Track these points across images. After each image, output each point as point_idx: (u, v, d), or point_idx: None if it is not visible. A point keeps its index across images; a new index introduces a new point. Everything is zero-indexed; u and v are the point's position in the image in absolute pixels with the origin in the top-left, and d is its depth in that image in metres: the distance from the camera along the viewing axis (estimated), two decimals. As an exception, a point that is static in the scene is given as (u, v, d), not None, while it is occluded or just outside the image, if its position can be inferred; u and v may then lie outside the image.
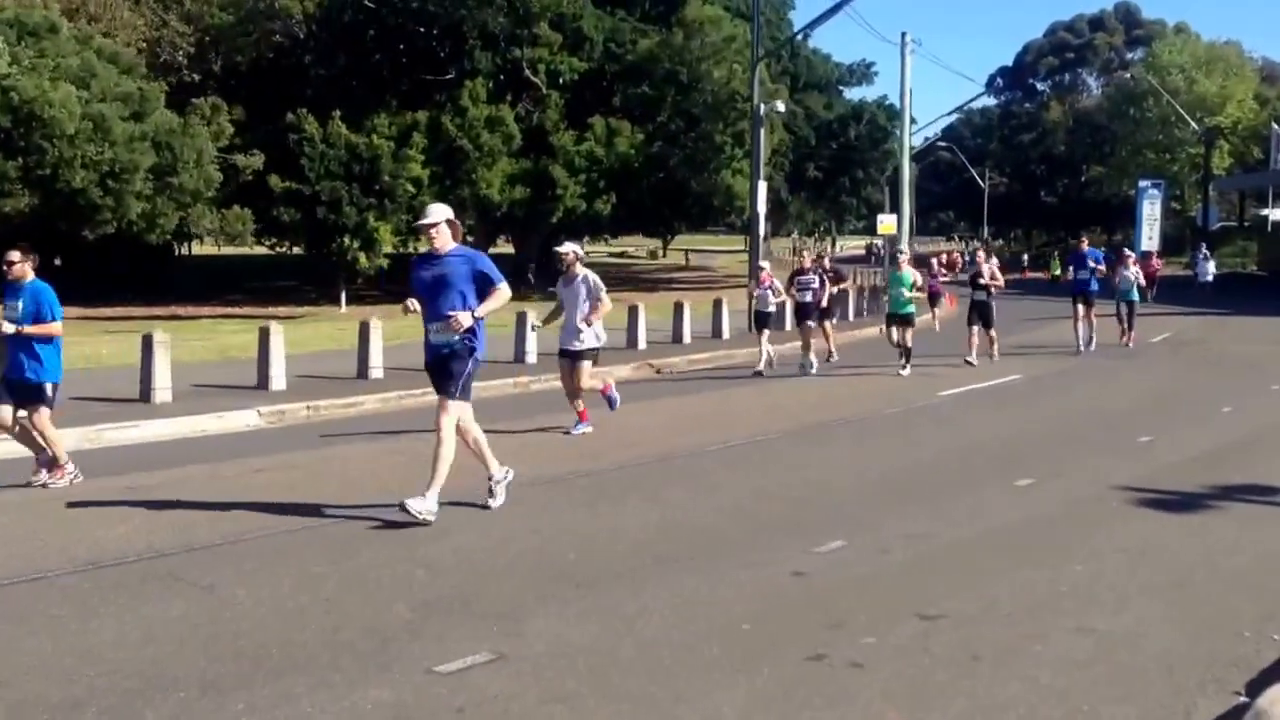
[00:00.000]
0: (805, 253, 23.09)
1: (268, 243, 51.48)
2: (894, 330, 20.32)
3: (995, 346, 21.49)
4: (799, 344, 20.81)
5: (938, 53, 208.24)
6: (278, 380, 17.45)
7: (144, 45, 42.61)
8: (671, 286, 56.89)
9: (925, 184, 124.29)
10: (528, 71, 49.96)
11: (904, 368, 19.61)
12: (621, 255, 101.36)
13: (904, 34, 36.70)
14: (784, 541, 8.03)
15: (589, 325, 12.84)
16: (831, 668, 5.62)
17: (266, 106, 45.47)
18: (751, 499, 9.62)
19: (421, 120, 47.25)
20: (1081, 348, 23.30)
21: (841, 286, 23.63)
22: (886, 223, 59.48)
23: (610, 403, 13.58)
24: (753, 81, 30.44)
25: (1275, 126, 63.69)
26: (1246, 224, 76.62)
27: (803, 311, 20.68)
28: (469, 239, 57.34)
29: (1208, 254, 43.06)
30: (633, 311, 24.64)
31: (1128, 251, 26.73)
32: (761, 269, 21.76)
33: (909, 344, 19.95)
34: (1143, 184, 68.39)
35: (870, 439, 13.35)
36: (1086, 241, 24.82)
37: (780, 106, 31.89)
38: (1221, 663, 5.83)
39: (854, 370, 20.87)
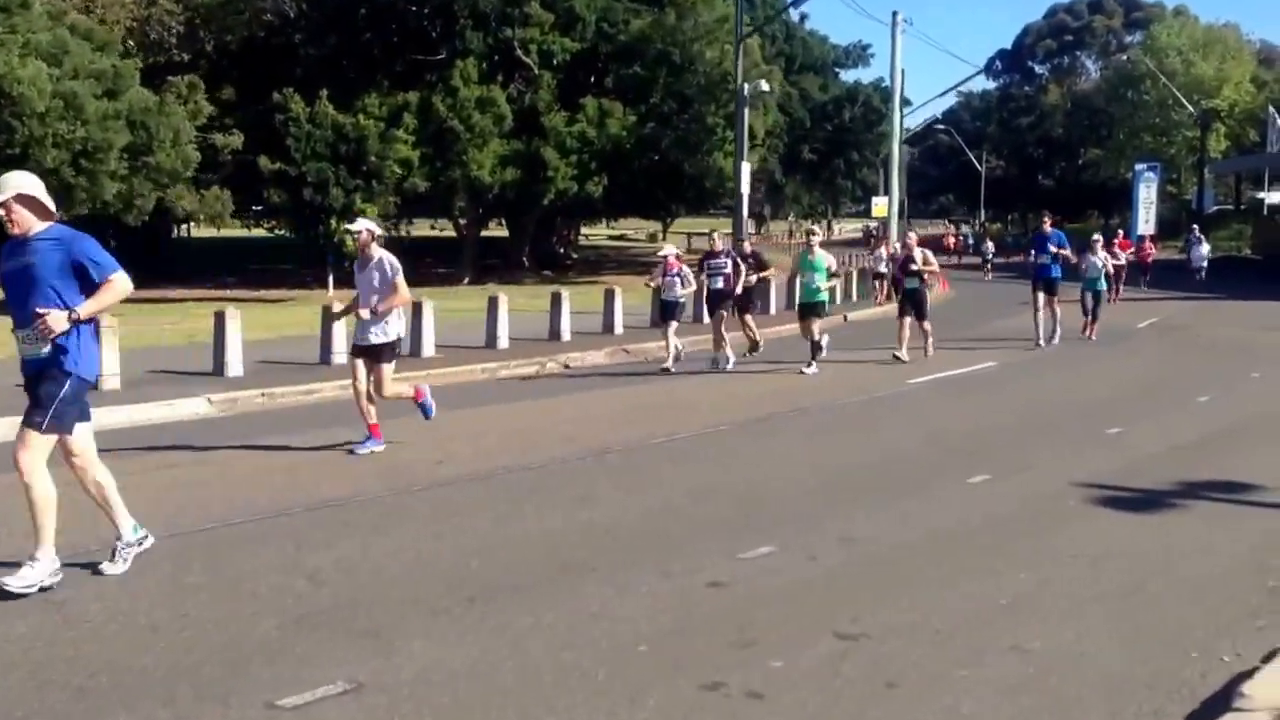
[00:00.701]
0: (716, 235, 20.65)
1: (265, 225, 51.09)
2: (805, 322, 18.28)
3: (930, 340, 19.53)
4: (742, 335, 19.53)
5: (937, 35, 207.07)
6: (234, 366, 16.95)
7: (134, 24, 41.96)
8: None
9: (924, 167, 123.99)
10: (519, 52, 49.33)
11: (809, 365, 17.55)
12: (620, 238, 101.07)
13: (895, 13, 36.13)
14: (710, 546, 7.50)
15: (379, 316, 10.85)
16: (727, 697, 5.09)
17: (258, 86, 44.83)
18: (687, 498, 9.08)
19: (412, 101, 46.67)
20: (1041, 342, 21.26)
21: (764, 274, 20.92)
22: (881, 205, 59.12)
23: (425, 411, 11.32)
24: (736, 60, 29.87)
25: (1272, 109, 63.00)
26: (1243, 207, 76.03)
27: (712, 300, 19.05)
28: (461, 222, 56.95)
29: (1200, 237, 42.24)
30: (609, 295, 24.11)
31: (1097, 236, 25.60)
32: (666, 255, 19.44)
33: (818, 337, 17.97)
34: (1139, 167, 67.80)
35: (827, 431, 12.81)
36: (1049, 222, 22.63)
37: (765, 86, 31.30)
38: (1164, 688, 5.32)
39: (773, 365, 18.83)
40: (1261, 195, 68.61)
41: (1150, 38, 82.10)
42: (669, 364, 18.05)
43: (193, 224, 67.81)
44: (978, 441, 11.90)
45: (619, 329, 23.55)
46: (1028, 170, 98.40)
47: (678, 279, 18.61)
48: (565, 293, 23.06)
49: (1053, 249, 21.28)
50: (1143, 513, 8.80)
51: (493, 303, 21.32)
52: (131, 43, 40.58)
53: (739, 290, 19.08)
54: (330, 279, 40.61)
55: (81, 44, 32.25)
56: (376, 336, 10.86)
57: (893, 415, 13.98)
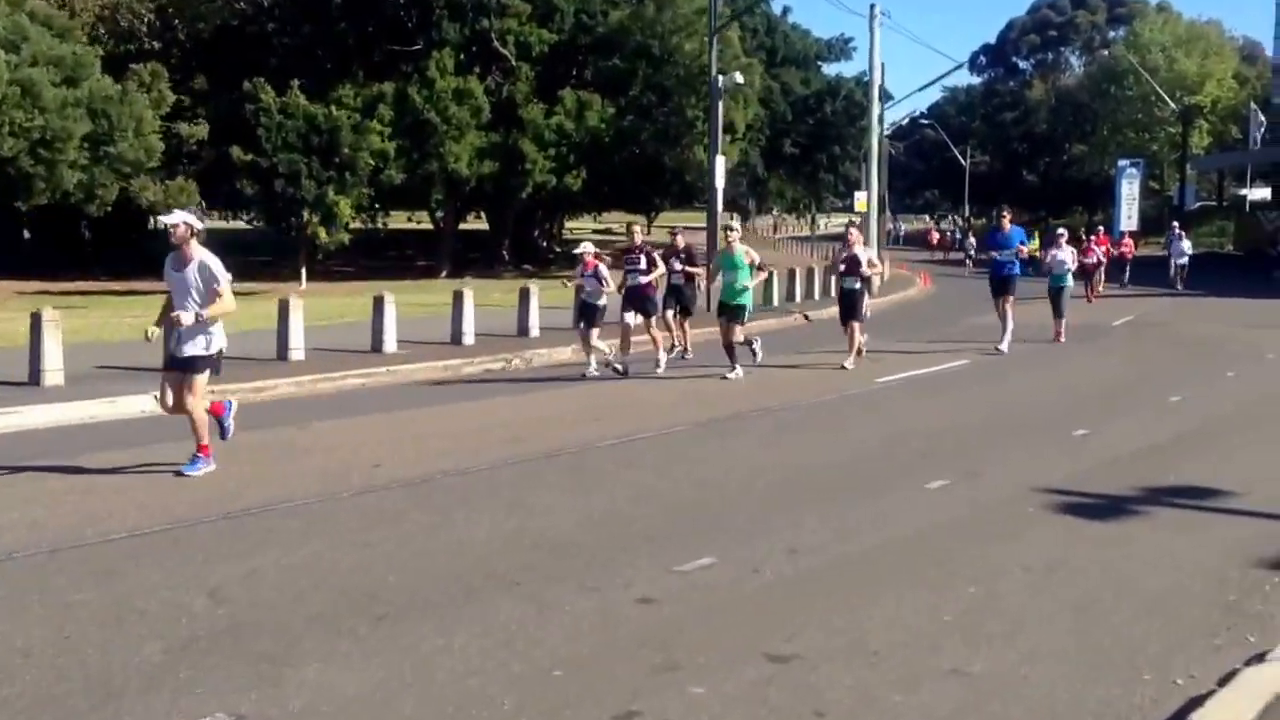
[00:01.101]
0: (636, 229, 19.25)
1: (244, 217, 50.48)
2: (727, 326, 16.72)
3: (855, 346, 17.81)
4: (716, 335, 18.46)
5: (919, 29, 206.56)
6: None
7: (104, 12, 41.40)
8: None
9: (909, 162, 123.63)
10: (496, 43, 48.90)
11: (731, 370, 16.33)
12: (605, 232, 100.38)
13: (872, 5, 35.64)
14: (645, 558, 7.13)
15: (200, 324, 9.45)
16: (639, 728, 4.73)
17: (232, 76, 44.25)
18: (629, 503, 8.70)
19: (388, 92, 46.22)
20: (1002, 346, 19.72)
21: (692, 272, 19.25)
22: (862, 200, 58.73)
23: (223, 430, 10.07)
24: (711, 51, 29.45)
25: (1254, 106, 62.82)
26: (1225, 204, 75.90)
27: (626, 298, 17.51)
28: (438, 215, 56.25)
29: (1181, 233, 41.48)
30: (580, 290, 23.56)
31: (1061, 231, 24.78)
32: (585, 253, 17.39)
33: (739, 340, 16.62)
34: (1121, 163, 67.58)
35: (789, 432, 12.45)
36: (1009, 218, 21.13)
37: (740, 78, 30.88)
38: (1111, 716, 4.96)
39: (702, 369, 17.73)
40: (1244, 192, 68.52)
41: (1133, 33, 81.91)
42: (592, 369, 16.96)
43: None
44: (939, 444, 11.54)
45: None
46: (1012, 165, 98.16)
47: (599, 280, 16.96)
48: (534, 288, 22.56)
49: (1019, 246, 20.16)
50: (1102, 520, 8.45)
51: (458, 297, 20.96)
52: (103, 30, 40.07)
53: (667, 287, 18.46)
54: (304, 273, 40.16)
55: (41, 30, 31.66)
56: (194, 348, 9.51)
57: (857, 416, 13.62)
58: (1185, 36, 77.55)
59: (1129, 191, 66.93)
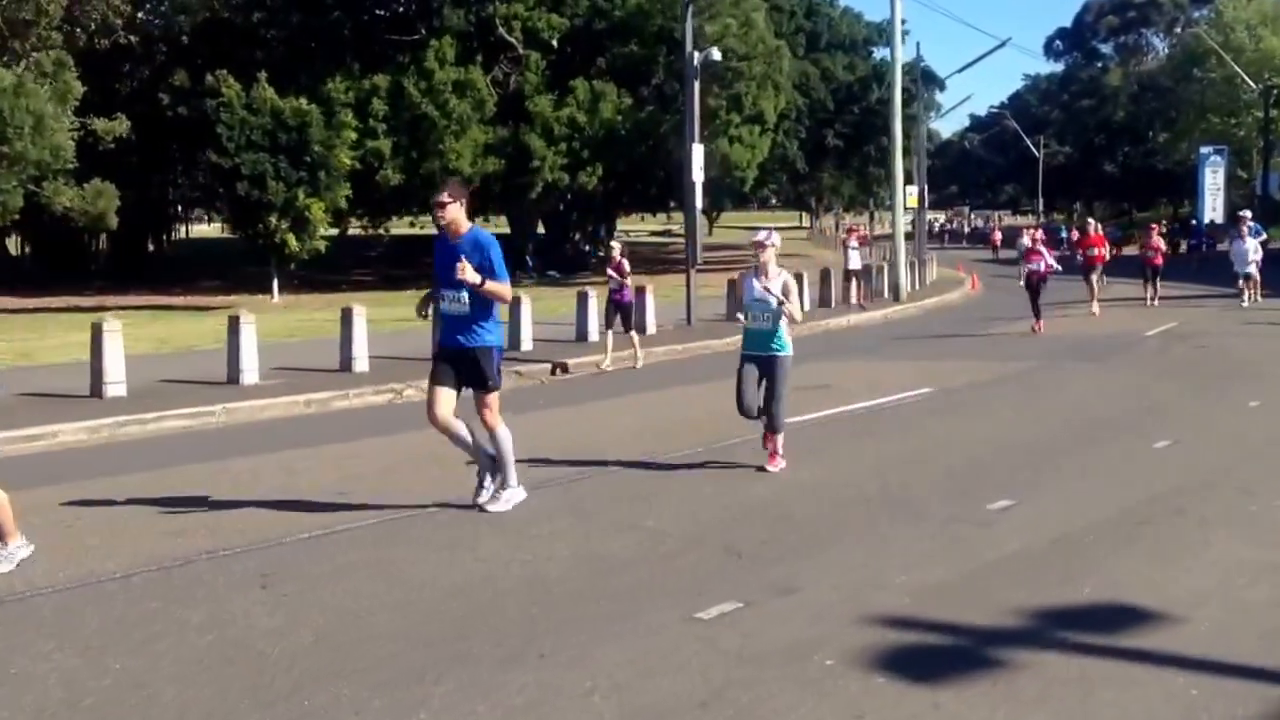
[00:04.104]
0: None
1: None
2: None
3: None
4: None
5: (994, 12, 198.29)
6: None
7: (71, 2, 38.63)
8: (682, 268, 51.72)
9: (988, 156, 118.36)
10: (502, 29, 45.39)
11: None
12: (665, 233, 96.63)
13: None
14: None
15: None
16: None
17: (218, 71, 41.29)
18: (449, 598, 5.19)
19: (382, 85, 42.95)
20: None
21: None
22: (912, 195, 54.58)
23: None
24: (685, 19, 25.78)
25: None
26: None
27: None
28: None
29: (1252, 228, 30.02)
30: (581, 299, 21.60)
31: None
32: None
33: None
34: (1204, 150, 62.83)
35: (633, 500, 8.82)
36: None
37: (717, 55, 27.11)
38: None
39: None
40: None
41: (1216, 11, 76.35)
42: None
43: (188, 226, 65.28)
44: (787, 524, 8.15)
45: (594, 336, 20.55)
46: (1091, 156, 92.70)
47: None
48: (526, 298, 20.17)
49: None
50: (933, 675, 4.86)
51: (346, 316, 17.55)
52: (75, 29, 37.38)
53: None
54: (275, 283, 36.99)
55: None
56: None
57: (709, 480, 9.92)
58: (1273, 13, 71.93)
59: (1213, 181, 62.27)
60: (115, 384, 14.79)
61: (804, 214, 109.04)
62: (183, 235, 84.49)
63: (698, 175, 25.40)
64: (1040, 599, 6.42)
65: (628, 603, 6.40)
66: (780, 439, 9.86)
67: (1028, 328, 21.74)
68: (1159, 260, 28.74)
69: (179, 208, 65.23)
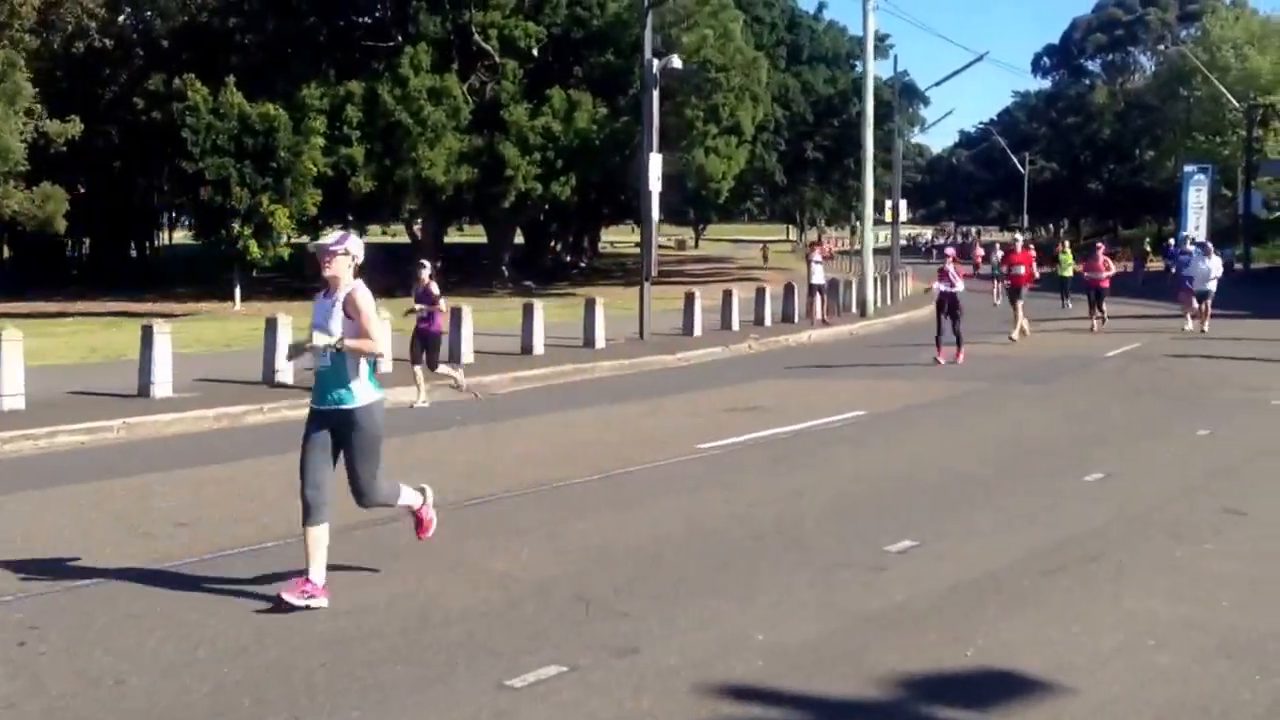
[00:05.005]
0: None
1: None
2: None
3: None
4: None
5: (982, 30, 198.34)
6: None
7: (44, 5, 37.96)
8: (671, 280, 50.96)
9: (977, 172, 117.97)
10: (478, 37, 44.74)
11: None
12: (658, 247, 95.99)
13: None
14: None
15: None
16: None
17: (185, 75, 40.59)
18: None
19: (356, 92, 42.24)
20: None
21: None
22: (899, 209, 53.99)
23: None
24: (644, 30, 25.12)
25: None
26: (1310, 213, 69.78)
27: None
28: (415, 227, 51.73)
29: (1205, 246, 28.10)
30: (528, 311, 21.25)
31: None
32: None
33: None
34: (1188, 169, 62.17)
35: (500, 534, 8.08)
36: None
37: (676, 62, 26.41)
38: None
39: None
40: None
41: (1203, 30, 75.91)
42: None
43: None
44: (651, 576, 7.34)
45: (539, 350, 20.59)
46: (1076, 173, 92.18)
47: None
48: (466, 308, 20.16)
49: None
50: None
51: (270, 325, 16.88)
52: (50, 33, 36.69)
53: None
54: (237, 290, 36.26)
55: None
56: None
57: (590, 513, 9.20)
58: (1260, 32, 71.46)
59: (1196, 199, 61.55)
60: (12, 396, 14.15)
61: (790, 227, 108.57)
62: (167, 241, 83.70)
63: (654, 186, 24.77)
64: (915, 663, 5.77)
65: (442, 664, 5.71)
66: (427, 512, 7.37)
67: (989, 346, 21.02)
68: (1104, 283, 25.96)
69: (167, 213, 64.41)
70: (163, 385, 15.31)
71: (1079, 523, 8.61)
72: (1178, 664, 5.82)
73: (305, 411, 6.89)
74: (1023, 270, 23.88)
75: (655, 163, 24.65)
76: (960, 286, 19.73)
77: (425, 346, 15.42)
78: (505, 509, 9.08)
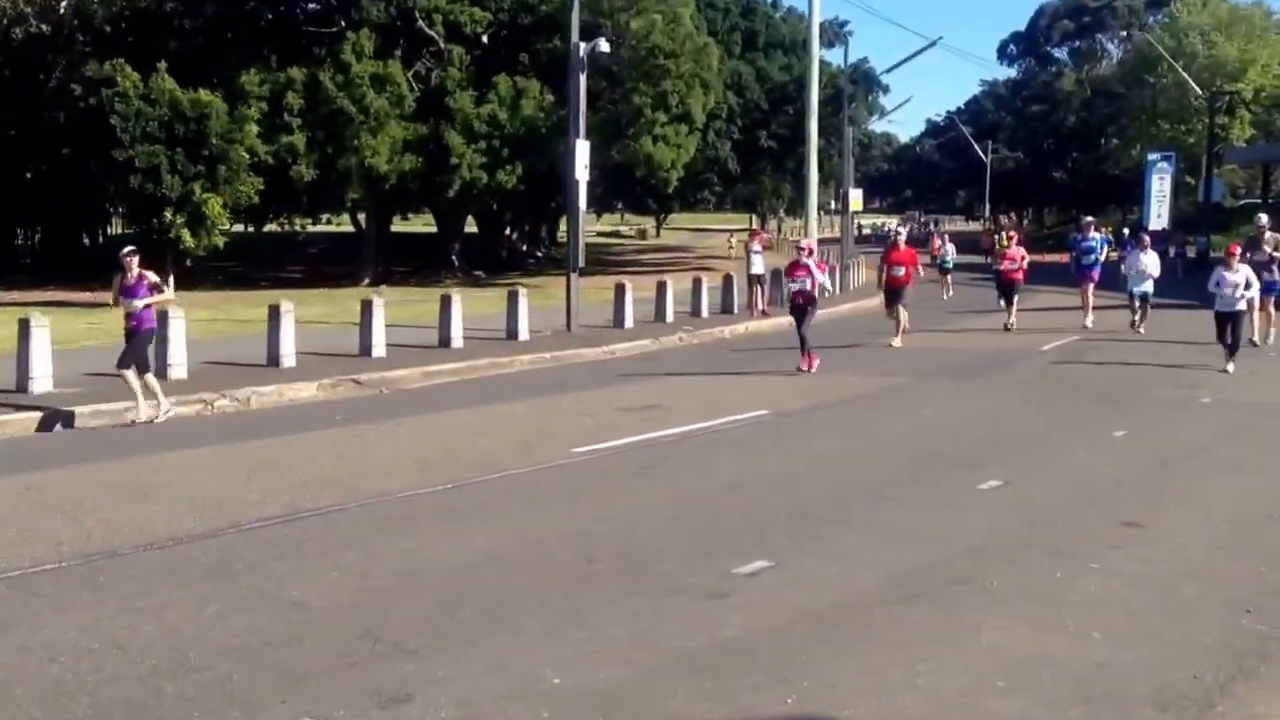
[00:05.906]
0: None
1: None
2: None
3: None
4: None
5: (951, 19, 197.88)
6: None
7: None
8: (624, 269, 50.09)
9: (943, 161, 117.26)
10: (422, 23, 43.68)
11: None
12: (614, 234, 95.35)
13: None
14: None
15: None
16: None
17: (134, 64, 39.40)
18: None
19: (297, 78, 41.11)
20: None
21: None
22: (856, 198, 53.29)
23: None
24: (572, 10, 24.26)
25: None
26: (1272, 200, 69.20)
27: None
28: (359, 216, 50.82)
29: (1140, 239, 23.99)
30: (444, 302, 20.34)
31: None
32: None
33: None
34: (1151, 157, 61.82)
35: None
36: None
37: (604, 46, 25.51)
38: None
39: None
40: (1290, 186, 62.06)
41: (1171, 17, 75.36)
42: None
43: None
44: (454, 607, 6.50)
45: (458, 343, 19.94)
46: (1040, 162, 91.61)
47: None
48: (378, 301, 19.25)
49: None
50: None
51: (162, 318, 16.00)
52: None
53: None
54: (171, 280, 35.24)
55: None
56: None
57: (417, 529, 8.40)
58: (1227, 19, 70.99)
59: (1159, 188, 61.18)
60: (41, 378, 13.83)
61: (753, 216, 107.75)
62: (120, 230, 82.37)
63: (581, 174, 24.02)
64: (727, 710, 5.03)
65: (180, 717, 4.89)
66: None
67: (933, 336, 20.24)
68: (1018, 275, 23.43)
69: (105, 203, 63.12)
70: (43, 380, 14.87)
71: (958, 538, 7.85)
72: (1019, 712, 5.10)
73: (192, 409, 6.15)
74: (902, 271, 20.91)
75: (583, 150, 23.88)
76: (822, 280, 17.67)
77: (129, 344, 13.37)
78: (330, 525, 8.24)
